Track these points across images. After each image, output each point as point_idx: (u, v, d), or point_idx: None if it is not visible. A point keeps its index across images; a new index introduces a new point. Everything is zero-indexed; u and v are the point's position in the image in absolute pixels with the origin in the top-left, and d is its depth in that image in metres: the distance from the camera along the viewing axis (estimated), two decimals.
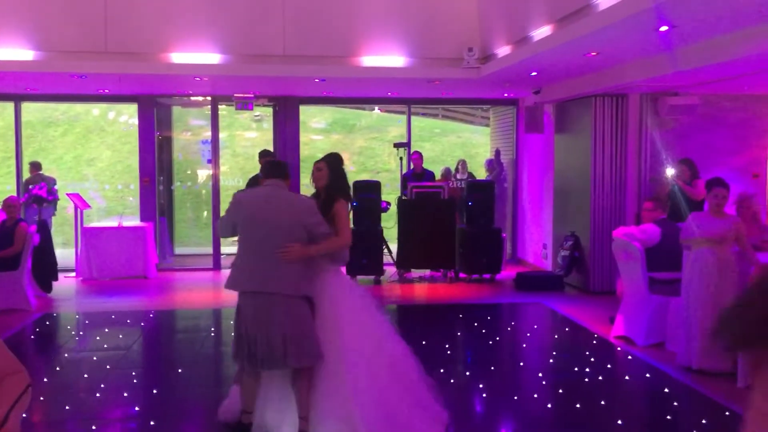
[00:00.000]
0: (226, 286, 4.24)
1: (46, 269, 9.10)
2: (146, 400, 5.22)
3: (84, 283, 10.14)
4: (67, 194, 10.93)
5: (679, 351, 5.99)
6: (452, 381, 5.62)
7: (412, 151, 11.12)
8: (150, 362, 6.57)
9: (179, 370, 5.94)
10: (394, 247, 10.38)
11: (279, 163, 4.47)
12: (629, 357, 6.34)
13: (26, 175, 11.39)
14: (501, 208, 11.79)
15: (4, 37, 8.44)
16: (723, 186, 5.86)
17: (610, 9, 5.63)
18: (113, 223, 10.76)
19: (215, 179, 11.39)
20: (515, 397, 5.29)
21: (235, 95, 10.72)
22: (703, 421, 4.72)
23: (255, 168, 11.01)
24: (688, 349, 5.85)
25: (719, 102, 9.30)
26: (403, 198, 10.36)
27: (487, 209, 10.18)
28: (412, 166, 10.96)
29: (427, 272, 10.56)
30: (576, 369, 5.92)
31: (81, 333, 7.56)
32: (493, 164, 12.34)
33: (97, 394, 5.29)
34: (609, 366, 6.05)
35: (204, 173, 13.82)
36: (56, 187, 11.22)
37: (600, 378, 5.71)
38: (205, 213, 14.14)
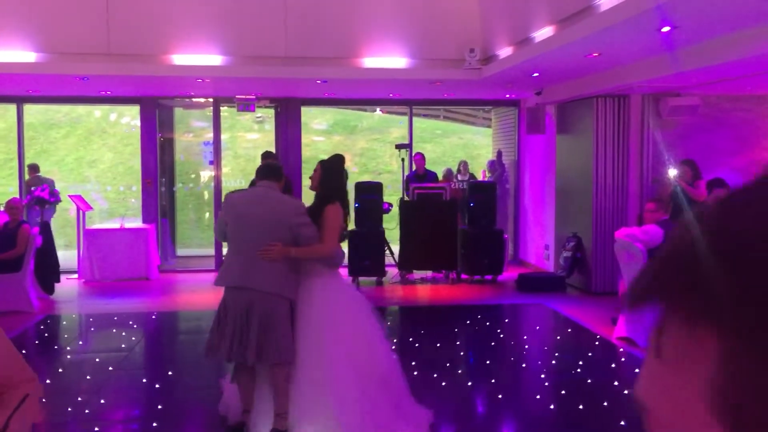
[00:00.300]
0: (215, 283, 4.35)
1: (48, 271, 9.10)
2: (148, 402, 5.23)
3: (86, 284, 10.15)
4: (69, 196, 10.94)
5: None
6: (454, 382, 5.62)
7: (414, 152, 11.12)
8: (152, 364, 6.58)
9: (181, 372, 5.95)
10: (395, 248, 10.38)
11: (272, 165, 4.56)
12: (631, 358, 6.33)
13: (26, 177, 11.41)
14: (503, 209, 11.78)
15: (6, 39, 8.45)
16: (724, 187, 5.86)
17: (612, 10, 5.62)
18: (115, 225, 10.77)
19: (217, 181, 11.39)
20: (517, 399, 5.29)
21: (237, 97, 10.72)
22: None
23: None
24: None
25: (721, 103, 9.29)
26: (405, 199, 10.36)
27: (489, 210, 10.17)
28: (414, 168, 10.96)
29: (428, 273, 10.56)
30: (578, 370, 5.91)
31: (83, 334, 7.57)
32: (495, 165, 12.33)
33: (99, 396, 5.30)
34: (611, 367, 6.05)
35: (206, 174, 13.83)
36: (57, 189, 11.22)
37: (602, 379, 5.71)
38: (207, 214, 14.16)
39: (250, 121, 16.96)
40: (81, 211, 10.64)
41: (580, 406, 5.05)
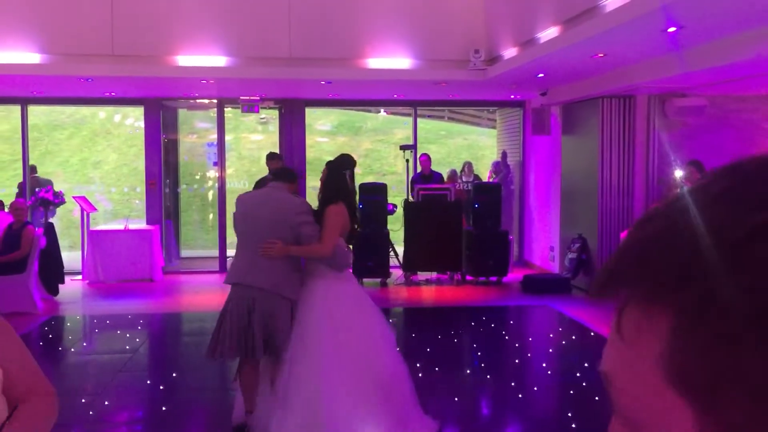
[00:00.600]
0: (224, 281, 4.46)
1: (52, 272, 9.10)
2: (152, 404, 5.21)
3: (90, 285, 10.15)
4: (74, 197, 10.95)
5: None
6: (459, 384, 5.59)
7: (419, 153, 11.10)
8: (156, 365, 6.56)
9: (185, 373, 5.93)
10: (400, 249, 10.36)
11: (286, 168, 4.66)
12: None
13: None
14: (508, 210, 11.75)
15: (10, 40, 8.45)
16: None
17: (618, 10, 5.59)
18: (119, 226, 10.76)
19: (221, 182, 11.39)
20: (522, 400, 5.26)
21: (241, 98, 10.71)
22: None
23: (261, 170, 11.01)
24: None
25: (727, 103, 9.24)
26: (410, 200, 10.34)
27: (494, 211, 10.15)
28: (419, 169, 10.94)
29: (433, 275, 10.53)
30: (584, 372, 5.88)
31: (87, 336, 7.56)
32: (500, 166, 12.30)
33: (104, 398, 5.28)
34: None
35: (210, 176, 13.83)
36: (61, 190, 11.23)
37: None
38: (211, 216, 14.15)
39: (254, 122, 16.96)
40: (85, 213, 10.65)
41: (586, 408, 5.02)
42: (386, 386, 4.20)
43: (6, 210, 9.08)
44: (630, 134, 9.18)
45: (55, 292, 9.17)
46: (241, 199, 4.46)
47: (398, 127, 18.40)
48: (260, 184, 8.85)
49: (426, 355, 6.32)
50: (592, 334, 7.24)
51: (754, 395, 0.39)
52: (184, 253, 12.77)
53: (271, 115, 14.42)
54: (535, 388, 5.68)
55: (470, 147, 18.98)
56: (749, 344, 0.39)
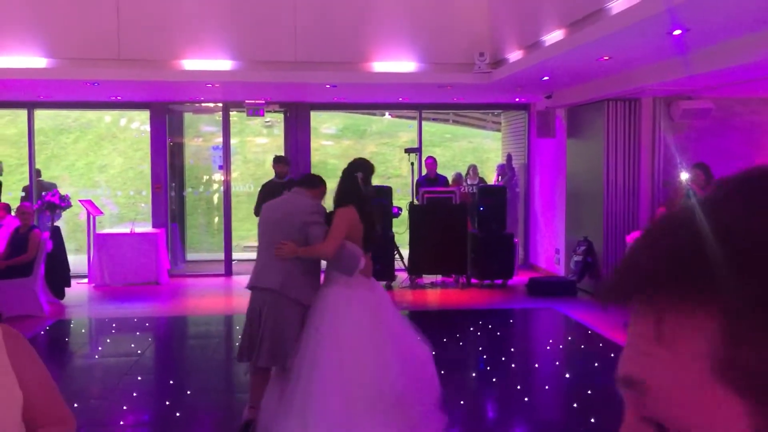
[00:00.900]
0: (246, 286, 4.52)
1: (58, 275, 9.13)
2: (158, 407, 5.22)
3: (96, 289, 10.17)
4: (80, 201, 10.98)
5: None
6: (464, 387, 5.59)
7: (424, 156, 11.10)
8: (162, 368, 6.57)
9: (191, 376, 5.94)
10: (405, 252, 10.35)
11: (310, 174, 4.71)
12: None
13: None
14: (513, 213, 11.74)
15: (17, 45, 8.49)
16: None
17: (623, 13, 5.59)
18: (125, 230, 10.79)
19: (226, 185, 11.41)
20: (528, 404, 5.25)
21: (247, 101, 10.74)
22: None
23: (266, 173, 11.03)
24: None
25: (732, 106, 9.23)
26: (415, 203, 10.34)
27: (499, 214, 10.14)
28: (424, 172, 10.94)
29: (438, 278, 10.52)
30: (589, 375, 5.87)
31: (93, 339, 7.58)
32: (505, 169, 12.30)
33: (110, 401, 5.30)
34: None
35: (215, 179, 13.85)
36: (67, 194, 11.26)
37: (614, 385, 5.65)
38: (217, 219, 14.17)
39: (260, 125, 16.99)
40: (91, 216, 10.68)
41: (591, 412, 5.01)
42: (397, 398, 4.03)
43: (13, 214, 9.11)
44: (635, 137, 9.16)
45: (62, 295, 9.20)
46: (265, 206, 4.57)
47: (403, 130, 18.41)
48: (266, 188, 8.93)
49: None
50: (598, 337, 7.23)
51: None
52: (190, 256, 12.80)
53: (276, 119, 14.46)
54: (541, 392, 5.67)
55: (475, 150, 18.98)
56: None
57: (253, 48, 8.82)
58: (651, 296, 0.46)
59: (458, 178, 11.59)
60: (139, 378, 5.93)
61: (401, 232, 10.54)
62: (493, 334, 7.39)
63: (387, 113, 18.32)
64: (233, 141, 12.62)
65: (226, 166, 11.40)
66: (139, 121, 16.88)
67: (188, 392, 5.60)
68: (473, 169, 12.00)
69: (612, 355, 6.54)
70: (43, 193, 10.81)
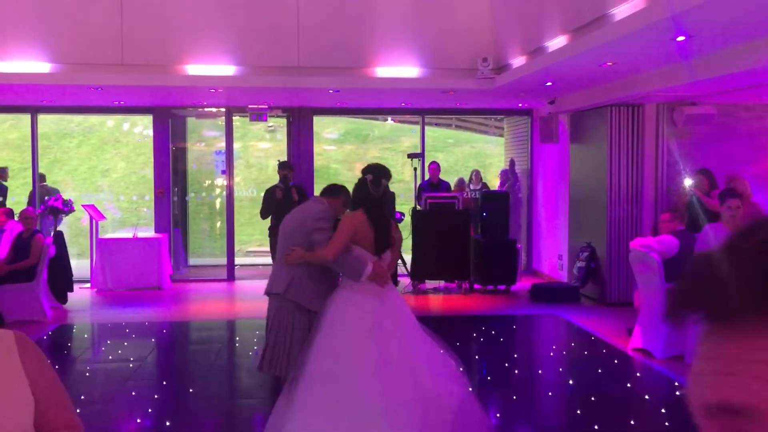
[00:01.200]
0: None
1: (61, 280, 9.12)
2: (160, 412, 5.21)
3: (99, 294, 10.17)
4: (83, 205, 10.99)
5: None
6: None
7: (427, 161, 11.10)
8: (164, 374, 6.56)
9: (193, 382, 5.93)
10: (408, 258, 10.34)
11: (331, 185, 4.70)
12: (647, 369, 6.26)
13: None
14: (516, 218, 11.73)
15: (21, 50, 8.51)
16: (736, 197, 5.81)
17: (627, 19, 5.59)
18: (128, 234, 10.79)
19: (229, 190, 11.41)
20: (531, 410, 5.24)
21: (250, 106, 10.74)
22: None
23: (269, 178, 11.03)
24: None
25: (736, 111, 9.22)
26: (417, 208, 10.33)
27: (502, 220, 10.13)
28: (428, 177, 10.94)
29: (441, 283, 10.51)
30: (593, 382, 5.85)
31: (96, 344, 7.57)
32: (508, 174, 12.29)
33: (112, 406, 5.29)
34: (626, 379, 5.98)
35: (218, 184, 13.86)
36: (70, 198, 11.27)
37: (618, 391, 5.64)
38: (219, 224, 14.16)
39: (262, 130, 17.00)
40: (94, 221, 10.68)
41: (595, 419, 4.99)
42: (405, 413, 3.80)
43: (16, 218, 9.12)
44: (638, 143, 9.15)
45: (64, 300, 9.19)
46: (286, 216, 4.63)
47: (406, 135, 18.42)
48: (269, 193, 8.93)
49: None
50: (601, 343, 7.20)
51: None
52: (192, 261, 12.79)
53: (279, 124, 14.46)
54: (544, 398, 5.65)
55: (478, 155, 18.98)
56: None
57: (256, 53, 8.83)
58: (745, 310, 0.45)
59: (461, 183, 11.58)
60: (142, 383, 5.92)
61: (404, 237, 10.52)
62: (495, 340, 7.37)
63: (390, 118, 18.33)
64: (236, 146, 12.62)
65: (228, 170, 11.41)
66: (142, 126, 16.90)
67: (190, 398, 5.59)
68: (476, 174, 11.99)
69: (615, 361, 6.52)
70: (46, 198, 10.81)
